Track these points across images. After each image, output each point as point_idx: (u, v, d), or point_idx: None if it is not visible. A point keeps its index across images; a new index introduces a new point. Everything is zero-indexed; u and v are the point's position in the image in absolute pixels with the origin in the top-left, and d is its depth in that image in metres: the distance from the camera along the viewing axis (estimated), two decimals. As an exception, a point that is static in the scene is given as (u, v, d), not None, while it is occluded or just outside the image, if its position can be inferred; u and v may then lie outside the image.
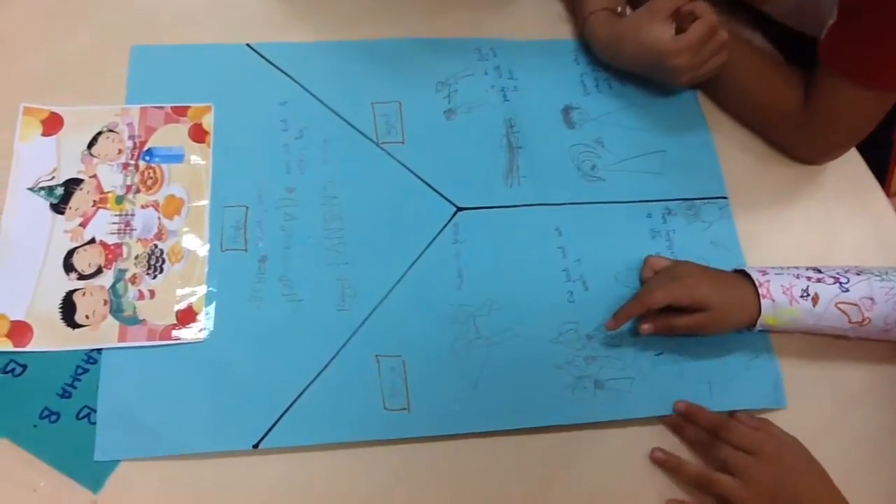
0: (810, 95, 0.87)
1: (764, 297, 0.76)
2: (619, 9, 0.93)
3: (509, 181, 0.87)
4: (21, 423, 0.71)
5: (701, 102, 0.96)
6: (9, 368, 0.72)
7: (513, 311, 0.80)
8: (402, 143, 0.88)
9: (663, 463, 0.75)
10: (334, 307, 0.78)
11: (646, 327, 0.78)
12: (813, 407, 0.80)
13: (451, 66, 0.93)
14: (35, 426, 0.71)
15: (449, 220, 0.84)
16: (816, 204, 0.92)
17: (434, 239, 0.83)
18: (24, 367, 0.73)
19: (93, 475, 0.70)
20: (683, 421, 0.77)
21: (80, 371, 0.73)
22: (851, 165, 0.95)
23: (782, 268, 0.79)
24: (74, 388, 0.73)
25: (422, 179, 0.86)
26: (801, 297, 0.76)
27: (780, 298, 0.76)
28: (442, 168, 0.87)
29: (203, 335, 0.76)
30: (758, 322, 0.76)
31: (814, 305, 0.76)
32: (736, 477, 0.71)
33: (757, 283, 0.76)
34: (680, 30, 0.86)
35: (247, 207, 0.82)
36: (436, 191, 0.85)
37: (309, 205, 0.83)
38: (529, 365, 0.78)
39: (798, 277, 0.77)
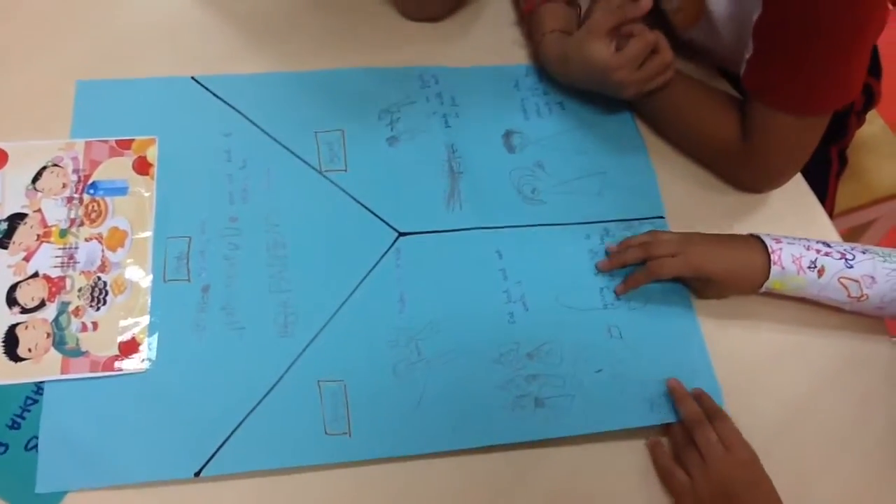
0: (746, 128, 0.89)
1: (775, 263, 0.81)
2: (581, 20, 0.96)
3: (451, 206, 0.89)
4: (-32, 456, 0.71)
5: (640, 125, 0.98)
6: (-42, 400, 0.73)
7: (454, 333, 0.81)
8: (346, 170, 0.89)
9: (653, 447, 0.79)
10: (277, 334, 0.79)
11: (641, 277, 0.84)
12: (755, 419, 0.81)
13: (394, 94, 0.95)
14: (-17, 459, 0.71)
15: (391, 245, 0.86)
16: (757, 224, 0.94)
17: (376, 264, 0.84)
18: (-27, 399, 0.73)
19: (42, 506, 0.70)
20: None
21: (29, 402, 0.74)
22: (792, 185, 0.96)
23: (793, 238, 0.83)
24: (23, 418, 0.73)
25: (364, 206, 0.87)
26: (809, 267, 0.81)
27: (789, 267, 0.81)
28: (384, 194, 0.88)
29: (145, 365, 0.76)
30: (764, 285, 0.82)
31: (819, 277, 0.81)
32: (690, 476, 0.74)
33: (770, 250, 0.81)
34: (621, 48, 0.88)
35: (190, 238, 0.83)
36: (378, 216, 0.87)
37: (252, 233, 0.84)
38: (471, 386, 0.79)
39: (808, 249, 0.82)
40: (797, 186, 0.97)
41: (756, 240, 0.83)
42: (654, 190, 0.93)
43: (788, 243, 0.82)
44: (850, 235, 1.36)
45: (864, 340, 0.87)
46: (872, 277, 0.80)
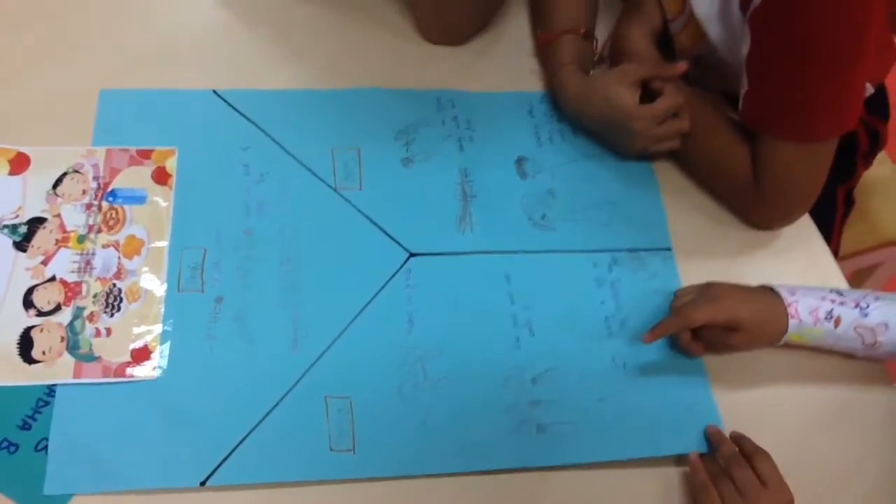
0: (755, 163, 0.90)
1: (792, 317, 0.80)
2: (596, 55, 0.98)
3: (462, 228, 0.90)
4: (-21, 454, 0.72)
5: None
6: (-30, 400, 0.74)
7: (460, 356, 0.83)
8: (360, 188, 0.91)
9: (694, 461, 0.78)
10: (287, 347, 0.81)
11: (687, 342, 0.83)
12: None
13: (411, 115, 0.97)
14: (-7, 457, 0.72)
15: (402, 266, 0.87)
16: (763, 262, 0.94)
17: (386, 283, 0.86)
18: (-14, 398, 0.75)
19: (48, 508, 0.71)
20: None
21: (40, 404, 0.75)
22: (799, 226, 0.97)
23: (805, 288, 0.83)
24: (35, 420, 0.74)
25: (377, 225, 0.89)
26: (826, 318, 0.81)
27: (806, 319, 0.81)
28: (397, 214, 0.90)
29: (157, 373, 0.78)
30: (782, 339, 0.82)
31: (835, 327, 0.81)
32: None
33: (786, 303, 0.81)
34: (645, 101, 0.90)
35: (205, 249, 0.84)
36: (390, 236, 0.88)
37: (266, 247, 0.86)
38: (475, 409, 0.80)
39: (823, 300, 0.82)
40: (804, 226, 0.98)
41: (772, 291, 0.83)
42: (663, 222, 0.95)
43: (803, 295, 0.82)
44: (855, 278, 1.36)
45: (864, 386, 0.87)
46: (886, 325, 0.80)
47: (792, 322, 0.80)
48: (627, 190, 0.96)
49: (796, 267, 0.94)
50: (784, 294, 0.82)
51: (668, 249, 0.93)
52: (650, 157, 0.97)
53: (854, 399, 0.87)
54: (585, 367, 0.84)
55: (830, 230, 1.14)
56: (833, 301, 0.82)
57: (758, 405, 0.85)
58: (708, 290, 0.84)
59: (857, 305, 0.81)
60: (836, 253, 1.01)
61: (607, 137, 0.96)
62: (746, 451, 0.78)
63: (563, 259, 0.90)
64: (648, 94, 0.91)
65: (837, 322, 0.81)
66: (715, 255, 0.94)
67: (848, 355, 0.85)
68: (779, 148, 0.87)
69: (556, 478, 0.79)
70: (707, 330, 0.82)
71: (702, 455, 0.80)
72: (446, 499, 0.77)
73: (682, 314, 0.82)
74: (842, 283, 0.94)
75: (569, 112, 0.98)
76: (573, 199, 0.94)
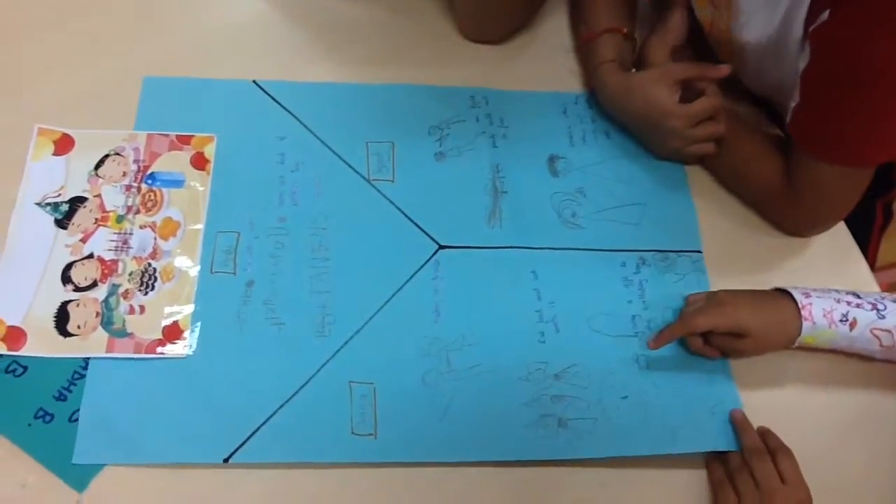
0: (792, 174, 0.89)
1: (806, 319, 0.80)
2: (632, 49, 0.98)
3: (491, 223, 0.91)
4: (17, 422, 0.75)
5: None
6: (10, 369, 0.77)
7: (485, 348, 0.83)
8: (392, 181, 0.92)
9: (711, 460, 0.80)
10: (314, 333, 0.82)
11: (698, 347, 0.83)
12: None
13: (445, 111, 0.98)
14: (29, 425, 0.74)
15: (430, 257, 0.88)
16: (796, 270, 0.94)
17: (415, 274, 0.87)
18: (25, 368, 0.77)
19: (79, 475, 0.73)
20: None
21: (76, 376, 0.77)
22: (834, 233, 0.96)
23: (823, 290, 0.83)
24: (70, 391, 0.77)
25: (407, 216, 0.90)
26: (841, 321, 0.80)
27: (820, 321, 0.80)
28: (428, 207, 0.91)
29: (187, 351, 0.79)
30: (797, 341, 0.81)
31: (851, 330, 0.80)
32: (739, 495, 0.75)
33: (800, 306, 0.80)
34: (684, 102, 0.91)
35: (239, 233, 0.86)
36: (420, 228, 0.89)
37: (298, 234, 0.87)
38: (497, 400, 0.81)
39: (839, 302, 0.81)
40: (839, 235, 0.97)
41: (784, 294, 0.83)
42: (694, 225, 0.94)
43: (818, 297, 0.82)
44: (893, 290, 1.34)
45: (887, 391, 0.87)
46: None
47: (806, 325, 0.80)
48: (659, 191, 0.96)
49: (829, 275, 0.93)
50: (798, 297, 0.81)
51: (699, 252, 0.93)
52: (683, 161, 0.97)
53: (877, 404, 0.86)
54: (609, 364, 0.84)
55: (867, 242, 1.12)
56: (849, 303, 0.81)
57: (782, 407, 0.85)
58: (714, 297, 0.84)
59: (873, 307, 0.81)
60: (871, 265, 0.99)
61: (643, 136, 0.96)
62: (770, 447, 0.78)
63: (592, 257, 0.90)
64: (686, 97, 0.91)
65: (853, 325, 0.80)
66: (746, 259, 0.93)
67: (866, 357, 0.85)
68: (820, 167, 0.86)
69: (575, 474, 0.79)
70: (715, 336, 0.82)
71: (723, 453, 0.80)
72: (465, 487, 0.77)
73: (685, 321, 0.82)
74: (875, 290, 0.93)
75: (608, 108, 0.98)
76: (604, 199, 0.94)
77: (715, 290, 0.88)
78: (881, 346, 0.81)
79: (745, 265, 0.93)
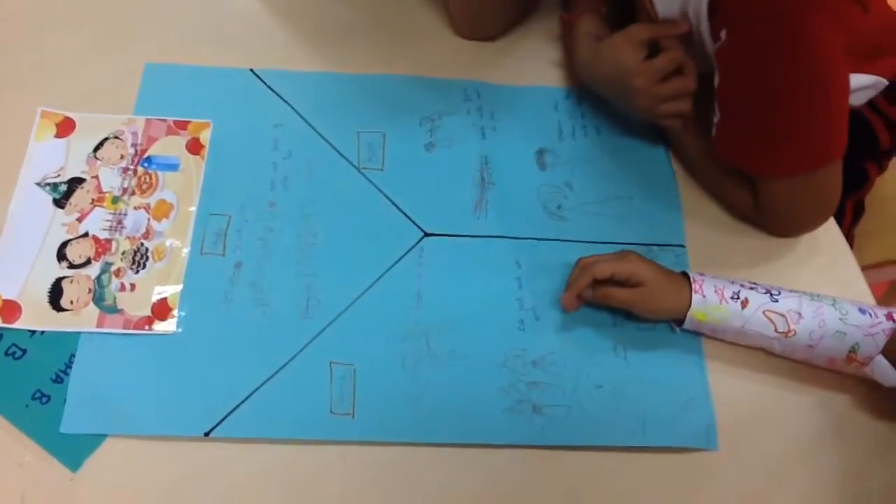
0: (756, 191, 0.91)
1: (696, 292, 0.82)
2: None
3: (477, 213, 0.93)
4: (15, 403, 0.77)
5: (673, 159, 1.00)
6: (10, 351, 0.80)
7: (464, 333, 0.85)
8: (382, 169, 0.94)
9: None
10: (298, 314, 0.84)
11: (588, 292, 0.85)
12: (750, 462, 0.83)
13: (437, 103, 1.00)
14: (27, 406, 0.77)
15: (416, 244, 0.90)
16: (781, 265, 0.94)
17: (399, 259, 0.89)
18: (25, 351, 0.80)
19: (73, 456, 0.76)
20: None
21: (73, 360, 0.80)
22: (822, 229, 0.95)
23: (723, 277, 0.85)
24: (67, 374, 0.79)
25: (394, 204, 0.92)
26: (732, 298, 0.82)
27: (710, 296, 0.82)
28: (415, 195, 0.93)
29: (174, 328, 0.82)
30: (687, 316, 0.82)
31: (742, 308, 0.82)
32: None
33: (692, 280, 0.83)
34: None
35: (230, 216, 0.89)
36: (406, 215, 0.91)
37: (287, 219, 0.90)
38: (474, 385, 0.82)
39: (732, 283, 0.83)
40: (826, 229, 0.96)
41: (685, 275, 0.85)
42: (678, 219, 0.95)
43: (712, 277, 0.84)
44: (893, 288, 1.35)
45: (864, 392, 0.86)
46: (799, 313, 0.81)
47: (695, 297, 0.82)
48: (645, 186, 0.97)
49: (815, 268, 0.94)
50: (693, 274, 0.84)
51: (682, 246, 0.94)
52: (665, 125, 0.96)
53: (854, 405, 0.86)
54: (587, 354, 0.85)
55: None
56: (742, 286, 0.83)
57: (756, 407, 0.85)
58: (617, 253, 0.87)
59: (767, 292, 0.82)
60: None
61: (617, 102, 0.96)
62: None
63: (575, 248, 0.91)
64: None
65: (745, 303, 0.81)
66: (730, 254, 0.94)
67: (768, 352, 0.85)
68: (772, 180, 0.88)
69: (549, 457, 0.81)
70: (611, 286, 0.84)
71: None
72: (438, 467, 0.79)
73: (588, 266, 0.85)
74: (864, 288, 0.93)
75: (584, 78, 0.99)
76: (590, 192, 0.96)
77: None
78: (777, 331, 0.81)
79: (729, 260, 0.93)
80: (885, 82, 0.96)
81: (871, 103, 1.00)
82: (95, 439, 0.76)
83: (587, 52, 0.96)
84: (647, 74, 0.90)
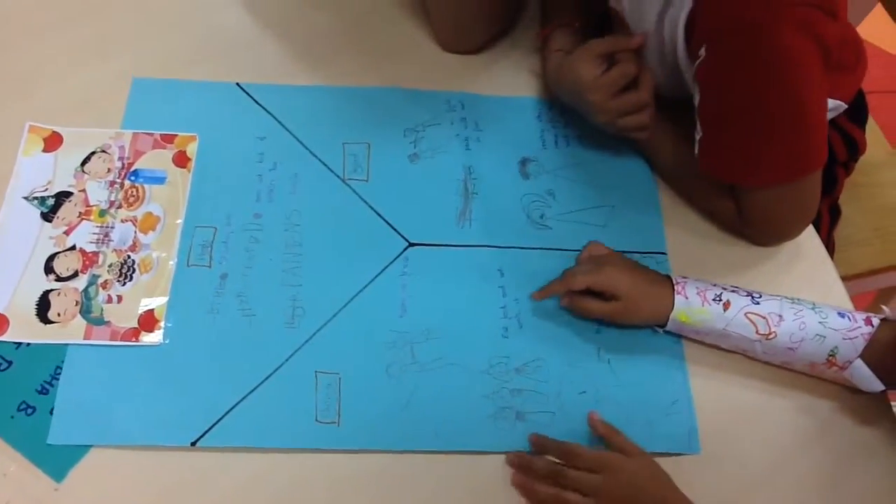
0: (737, 202, 0.92)
1: (679, 293, 0.83)
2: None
3: (461, 223, 0.94)
4: (0, 414, 0.78)
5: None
6: (-4, 364, 0.81)
7: (449, 342, 0.86)
8: (367, 180, 0.95)
9: (521, 486, 0.79)
10: (284, 324, 0.85)
11: (565, 301, 0.87)
12: (730, 456, 0.83)
13: (421, 114, 1.01)
14: (12, 417, 0.78)
15: (400, 254, 0.91)
16: (760, 272, 0.95)
17: (384, 269, 0.90)
18: (10, 363, 0.81)
19: (57, 466, 0.76)
20: (528, 458, 0.80)
21: (58, 371, 0.81)
22: (802, 236, 0.97)
23: (705, 280, 0.86)
24: (52, 385, 0.80)
25: (379, 214, 0.93)
26: (714, 300, 0.83)
27: (693, 298, 0.83)
28: (400, 206, 0.94)
29: (161, 340, 0.83)
30: (670, 318, 0.83)
31: (724, 310, 0.83)
32: (587, 496, 0.75)
33: (674, 282, 0.84)
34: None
35: (216, 228, 0.90)
36: (391, 226, 0.92)
37: (273, 230, 0.91)
38: (458, 392, 0.83)
39: (714, 286, 0.85)
40: (805, 235, 0.97)
41: (667, 277, 0.86)
42: (659, 227, 0.97)
43: (695, 279, 0.85)
44: (883, 294, 1.35)
45: (848, 394, 0.87)
46: (780, 315, 0.82)
47: (678, 298, 0.83)
48: (626, 194, 0.98)
49: (794, 273, 0.95)
50: (675, 277, 0.85)
51: (663, 253, 0.95)
52: (632, 137, 0.96)
53: (839, 409, 0.87)
54: (570, 360, 0.86)
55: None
56: (724, 288, 0.84)
57: (737, 412, 0.86)
58: (599, 259, 0.87)
59: (749, 295, 0.84)
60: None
61: (583, 115, 0.96)
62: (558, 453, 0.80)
63: (558, 257, 0.92)
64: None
65: (727, 305, 0.83)
66: (711, 261, 0.95)
67: (750, 357, 0.86)
68: (754, 191, 0.89)
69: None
70: (587, 297, 0.85)
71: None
72: (423, 474, 0.80)
73: (566, 276, 0.86)
74: (841, 292, 0.94)
75: (554, 91, 1.00)
76: (572, 201, 0.97)
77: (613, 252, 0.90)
78: (758, 333, 0.82)
79: (710, 267, 0.94)
80: (845, 106, 0.98)
81: (832, 121, 1.01)
82: (80, 450, 0.77)
83: (554, 68, 0.97)
84: (601, 89, 0.90)
